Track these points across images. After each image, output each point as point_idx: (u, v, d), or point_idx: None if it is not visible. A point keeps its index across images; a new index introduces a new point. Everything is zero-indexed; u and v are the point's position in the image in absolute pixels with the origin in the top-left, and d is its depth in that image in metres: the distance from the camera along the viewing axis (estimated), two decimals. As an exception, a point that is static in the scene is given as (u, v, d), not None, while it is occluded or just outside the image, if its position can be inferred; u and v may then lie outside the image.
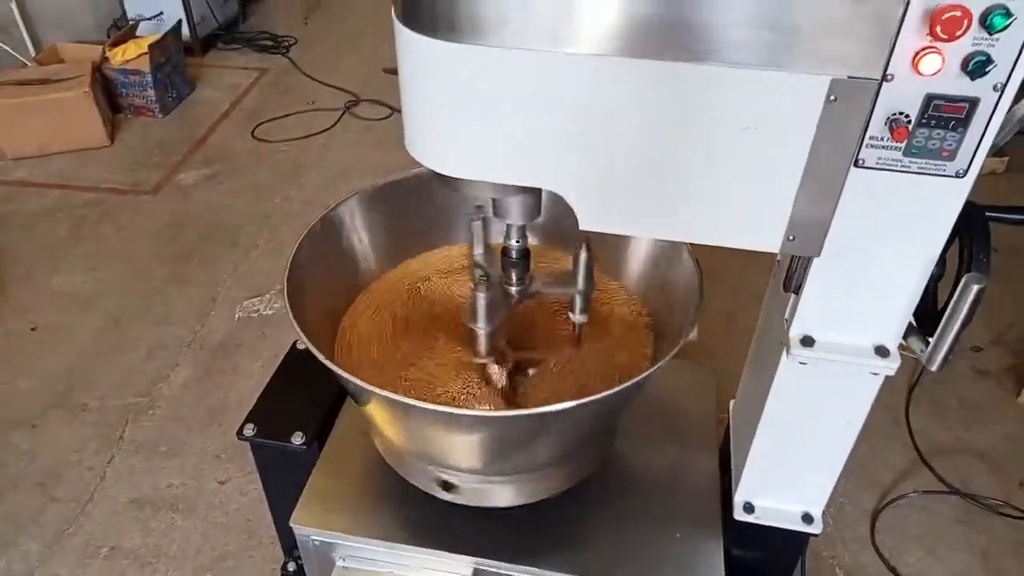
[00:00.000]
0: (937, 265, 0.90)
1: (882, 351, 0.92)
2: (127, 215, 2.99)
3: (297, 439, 1.31)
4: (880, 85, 0.74)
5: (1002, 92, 0.73)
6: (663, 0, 0.71)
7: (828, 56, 0.72)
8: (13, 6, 3.72)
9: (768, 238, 0.84)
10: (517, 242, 1.05)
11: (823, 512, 1.16)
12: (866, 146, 0.78)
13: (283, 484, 1.33)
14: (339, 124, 3.64)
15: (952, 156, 0.78)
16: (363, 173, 3.20)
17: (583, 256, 1.05)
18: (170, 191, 3.16)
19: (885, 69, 0.73)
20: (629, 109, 0.78)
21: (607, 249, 1.23)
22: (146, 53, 3.56)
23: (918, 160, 0.78)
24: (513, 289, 1.10)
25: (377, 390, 0.96)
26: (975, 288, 0.78)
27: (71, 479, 1.93)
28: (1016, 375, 2.21)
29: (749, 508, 1.17)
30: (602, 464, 1.24)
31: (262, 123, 3.63)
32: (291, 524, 1.23)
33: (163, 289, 2.58)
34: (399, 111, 0.91)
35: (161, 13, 4.06)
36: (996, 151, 3.28)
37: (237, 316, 2.45)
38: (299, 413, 1.35)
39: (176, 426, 2.08)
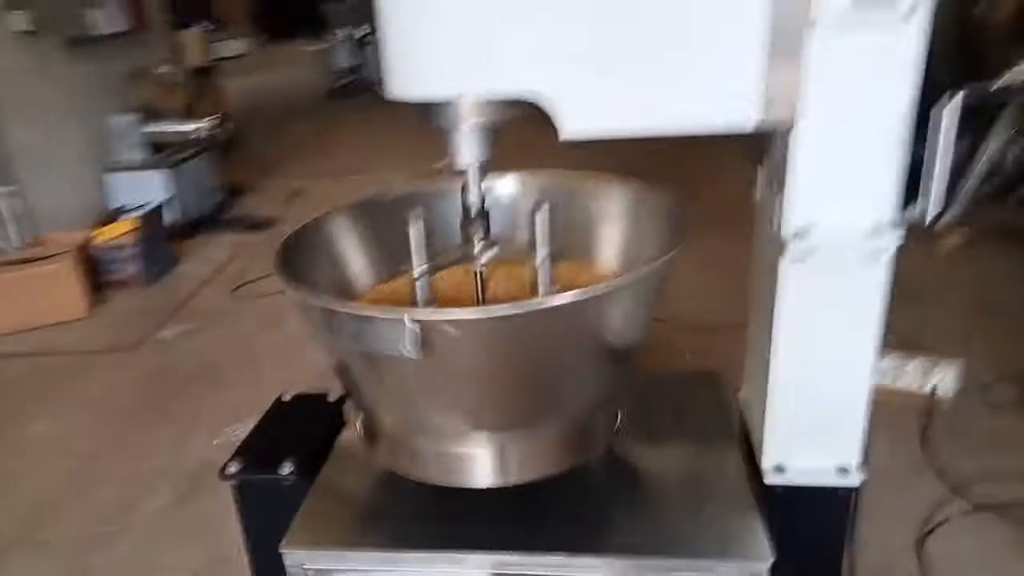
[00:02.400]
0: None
1: (878, 226, 0.92)
2: (104, 369, 2.93)
3: (286, 469, 1.21)
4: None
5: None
6: None
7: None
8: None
9: (744, 111, 0.87)
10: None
11: (860, 463, 1.07)
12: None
13: (268, 527, 1.20)
14: (319, 278, 3.73)
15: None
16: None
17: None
18: (149, 346, 3.13)
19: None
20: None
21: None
22: (130, 231, 3.70)
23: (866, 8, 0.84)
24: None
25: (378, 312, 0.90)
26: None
27: (29, 618, 1.71)
28: (1028, 405, 2.16)
29: (780, 469, 1.08)
30: (606, 452, 1.15)
31: (243, 284, 3.70)
32: (281, 551, 1.09)
33: (140, 429, 2.47)
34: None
35: (150, 203, 4.26)
36: (957, 223, 3.46)
37: (215, 442, 2.33)
38: (287, 449, 1.26)
39: (146, 551, 1.89)
